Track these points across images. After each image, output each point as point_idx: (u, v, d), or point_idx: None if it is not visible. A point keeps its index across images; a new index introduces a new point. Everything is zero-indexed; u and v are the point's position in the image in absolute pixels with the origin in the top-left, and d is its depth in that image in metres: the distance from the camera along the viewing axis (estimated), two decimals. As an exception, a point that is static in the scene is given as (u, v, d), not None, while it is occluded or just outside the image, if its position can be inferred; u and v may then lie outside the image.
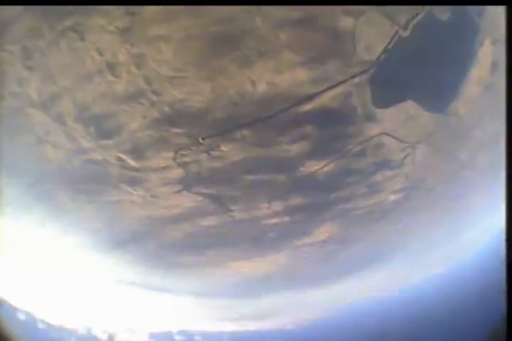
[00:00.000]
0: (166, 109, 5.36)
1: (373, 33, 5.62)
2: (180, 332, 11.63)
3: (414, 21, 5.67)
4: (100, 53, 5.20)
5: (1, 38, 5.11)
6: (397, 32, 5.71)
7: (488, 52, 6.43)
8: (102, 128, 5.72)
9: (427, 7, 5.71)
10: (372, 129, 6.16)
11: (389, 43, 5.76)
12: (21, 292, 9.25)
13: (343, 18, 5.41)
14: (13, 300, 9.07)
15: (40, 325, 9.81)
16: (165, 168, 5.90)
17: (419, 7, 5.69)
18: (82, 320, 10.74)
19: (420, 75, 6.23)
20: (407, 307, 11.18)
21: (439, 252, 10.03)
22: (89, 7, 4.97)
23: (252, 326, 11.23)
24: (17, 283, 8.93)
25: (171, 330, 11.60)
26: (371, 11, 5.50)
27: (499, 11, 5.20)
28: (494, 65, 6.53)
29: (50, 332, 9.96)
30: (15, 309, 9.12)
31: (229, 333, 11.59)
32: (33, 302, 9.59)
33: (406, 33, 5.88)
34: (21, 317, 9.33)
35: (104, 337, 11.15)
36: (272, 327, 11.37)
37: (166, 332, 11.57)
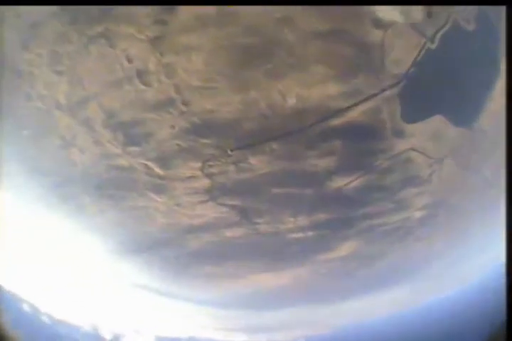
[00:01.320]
0: (195, 119, 5.40)
1: (402, 45, 5.56)
2: (190, 339, 11.57)
3: (441, 32, 5.60)
4: (130, 61, 5.28)
5: (29, 41, 5.25)
6: (424, 44, 5.64)
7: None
8: (130, 135, 5.79)
9: (453, 17, 5.64)
10: (401, 145, 6.06)
11: (417, 56, 5.69)
12: (36, 287, 9.40)
13: (372, 30, 5.37)
14: (22, 293, 9.21)
15: (45, 319, 9.91)
16: (191, 177, 5.92)
17: (444, 17, 5.62)
18: (89, 318, 10.80)
19: (448, 89, 6.12)
20: (425, 325, 10.83)
21: (461, 270, 9.71)
22: (119, 14, 5.07)
23: (262, 338, 11.06)
24: (35, 280, 9.09)
25: (181, 337, 11.55)
26: (399, 23, 5.45)
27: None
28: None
29: (55, 326, 10.04)
30: (21, 301, 9.25)
31: (239, 343, 11.48)
32: (41, 296, 9.72)
33: (433, 46, 5.81)
34: (26, 309, 9.45)
35: (110, 337, 11.18)
36: (282, 339, 11.18)
37: (174, 338, 11.52)
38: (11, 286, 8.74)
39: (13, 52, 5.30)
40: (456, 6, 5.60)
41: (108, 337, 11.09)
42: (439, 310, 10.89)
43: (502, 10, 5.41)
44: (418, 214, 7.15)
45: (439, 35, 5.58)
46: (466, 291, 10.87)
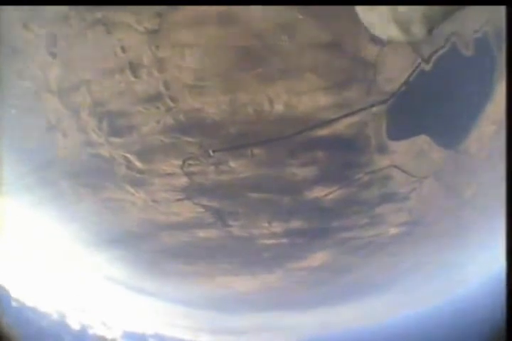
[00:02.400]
0: (181, 116, 5.35)
1: (396, 63, 5.63)
2: (155, 335, 11.46)
3: (438, 54, 5.68)
4: (124, 50, 5.21)
5: (29, 20, 5.14)
6: (419, 64, 5.71)
7: (504, 92, 6.40)
8: (114, 126, 5.71)
9: (452, 40, 5.72)
10: (383, 161, 6.11)
11: (410, 75, 5.76)
12: (7, 272, 9.19)
13: (369, 45, 5.42)
14: None
15: (14, 304, 9.72)
16: (170, 174, 5.87)
17: (443, 40, 5.70)
18: (58, 307, 10.62)
19: (436, 110, 6.22)
20: (394, 337, 10.96)
21: (433, 287, 9.88)
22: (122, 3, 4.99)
23: (227, 340, 11.04)
24: (6, 264, 8.88)
25: (146, 332, 11.44)
26: (396, 41, 5.51)
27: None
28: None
29: (24, 311, 9.85)
30: None
31: (203, 344, 11.42)
32: (12, 281, 9.53)
33: (428, 67, 5.89)
34: None
35: (77, 327, 11.00)
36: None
37: (140, 333, 11.40)
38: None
39: (12, 30, 5.18)
40: (456, 30, 5.68)
41: (75, 327, 10.92)
42: (407, 325, 11.04)
43: (501, 32, 5.49)
44: (393, 230, 7.24)
45: (435, 57, 5.66)
46: (438, 308, 11.06)
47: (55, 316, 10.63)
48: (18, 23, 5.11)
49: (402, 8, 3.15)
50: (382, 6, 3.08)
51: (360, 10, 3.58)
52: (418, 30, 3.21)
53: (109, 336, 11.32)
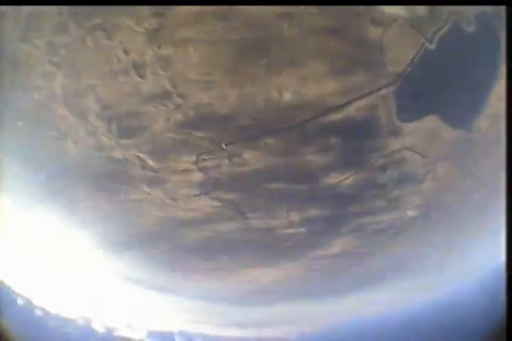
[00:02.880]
0: (191, 112, 5.37)
1: (401, 44, 5.55)
2: (181, 333, 11.63)
3: (440, 33, 5.58)
4: (127, 53, 5.23)
5: (26, 31, 5.19)
6: (423, 44, 5.62)
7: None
8: (124, 128, 5.76)
9: (453, 18, 5.62)
10: (396, 143, 6.05)
11: (415, 56, 5.68)
12: (26, 279, 9.39)
13: (372, 28, 5.35)
14: (15, 286, 9.20)
15: (38, 312, 9.92)
16: (185, 171, 5.90)
17: (444, 18, 5.60)
18: (81, 312, 10.82)
19: (445, 90, 6.12)
20: (413, 325, 10.92)
21: (450, 272, 9.79)
22: (118, 6, 5.01)
23: (253, 333, 11.15)
24: (27, 273, 9.07)
25: (172, 330, 11.61)
26: (399, 22, 5.43)
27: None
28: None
29: (48, 319, 10.05)
30: (15, 295, 9.25)
31: (229, 338, 11.53)
32: (34, 290, 9.72)
33: (432, 46, 5.80)
34: (20, 302, 9.45)
35: (103, 330, 11.19)
36: (273, 335, 11.27)
37: (166, 332, 11.58)
38: (4, 280, 8.72)
39: (9, 43, 5.24)
40: (455, 7, 5.59)
41: (100, 330, 11.12)
42: (432, 310, 10.99)
43: (502, 10, 5.40)
44: (410, 213, 7.19)
45: (437, 36, 5.57)
46: (462, 292, 10.96)
47: (80, 321, 10.83)
48: (15, 35, 5.17)
49: None
50: None
51: None
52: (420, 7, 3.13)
53: (135, 337, 11.51)
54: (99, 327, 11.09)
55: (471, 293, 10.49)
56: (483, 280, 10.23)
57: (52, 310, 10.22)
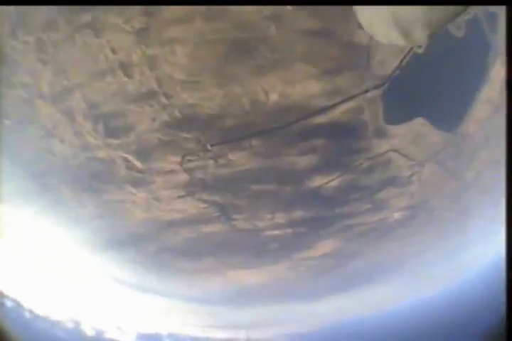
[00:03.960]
0: (176, 112, 5.34)
1: (388, 47, 5.60)
2: (170, 335, 11.55)
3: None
4: (114, 52, 5.19)
5: (16, 28, 5.11)
6: (411, 48, 5.68)
7: (500, 73, 6.38)
8: (110, 127, 5.70)
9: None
10: (382, 146, 6.10)
11: (403, 59, 5.73)
12: (14, 281, 9.23)
13: (359, 31, 5.39)
14: (3, 288, 9.03)
15: (27, 315, 9.75)
16: (170, 171, 5.87)
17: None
18: (70, 314, 10.67)
19: (432, 93, 6.20)
20: (401, 325, 11.04)
21: (438, 272, 9.93)
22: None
23: (241, 335, 11.14)
24: (14, 273, 8.91)
25: (161, 332, 11.52)
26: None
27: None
28: (504, 86, 6.46)
29: (36, 322, 9.89)
30: (3, 297, 9.08)
31: (218, 340, 11.49)
32: (22, 291, 9.56)
33: (420, 50, 5.86)
34: (8, 305, 9.29)
35: (92, 333, 11.05)
36: (261, 337, 11.27)
37: (155, 334, 11.48)
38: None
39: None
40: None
41: (90, 332, 10.98)
42: (418, 309, 11.11)
43: (495, 16, 5.48)
44: (396, 215, 7.26)
45: (426, 40, 5.62)
46: (446, 292, 11.12)
47: (69, 324, 10.68)
48: (5, 31, 5.08)
49: (403, 12, 3.02)
50: (383, 10, 2.97)
51: (359, 11, 3.51)
52: (419, 35, 3.10)
53: (124, 339, 11.39)
54: (88, 330, 10.95)
55: (459, 294, 10.66)
56: (469, 282, 10.41)
57: (41, 312, 10.06)
